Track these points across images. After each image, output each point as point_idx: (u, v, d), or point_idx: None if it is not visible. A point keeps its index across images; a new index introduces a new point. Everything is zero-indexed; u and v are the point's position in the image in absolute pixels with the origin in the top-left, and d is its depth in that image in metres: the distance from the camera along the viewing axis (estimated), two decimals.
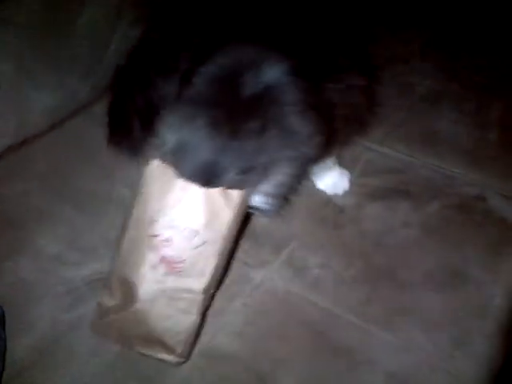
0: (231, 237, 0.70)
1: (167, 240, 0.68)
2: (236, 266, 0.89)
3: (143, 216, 0.69)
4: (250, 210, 0.75)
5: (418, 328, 0.80)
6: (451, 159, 1.07)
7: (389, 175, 1.06)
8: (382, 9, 1.42)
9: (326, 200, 1.01)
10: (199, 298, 0.69)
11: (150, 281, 0.69)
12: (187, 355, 0.73)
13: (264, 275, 0.88)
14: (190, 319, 0.70)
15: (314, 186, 1.02)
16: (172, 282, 0.69)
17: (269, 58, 0.71)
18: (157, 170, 0.69)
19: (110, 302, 0.72)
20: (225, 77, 0.70)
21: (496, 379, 0.77)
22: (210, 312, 0.82)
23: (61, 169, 1.04)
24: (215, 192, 0.67)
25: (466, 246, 0.91)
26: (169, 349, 0.70)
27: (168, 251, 0.68)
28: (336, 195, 1.01)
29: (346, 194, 1.02)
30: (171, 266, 0.69)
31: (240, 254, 0.91)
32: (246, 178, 0.69)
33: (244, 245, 0.92)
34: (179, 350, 0.70)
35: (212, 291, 0.72)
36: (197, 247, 0.68)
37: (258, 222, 0.95)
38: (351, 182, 1.03)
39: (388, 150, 1.11)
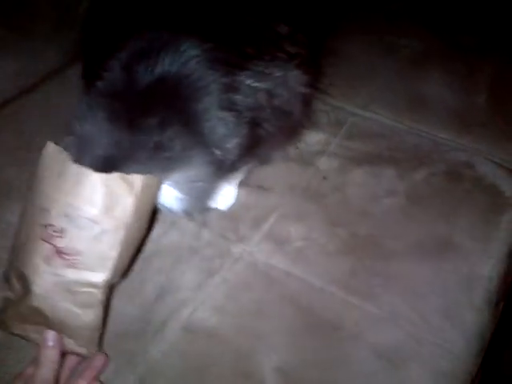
0: (138, 224, 0.65)
1: (61, 231, 0.62)
2: (214, 240, 0.86)
3: (36, 204, 0.64)
4: (160, 207, 0.71)
5: (404, 300, 0.77)
6: (438, 124, 1.04)
7: (374, 140, 1.02)
8: None
9: (308, 165, 0.96)
10: (100, 291, 0.63)
11: (44, 273, 0.63)
12: (96, 349, 0.68)
13: (244, 249, 0.85)
14: (93, 314, 0.64)
15: (293, 150, 0.97)
16: (70, 275, 0.62)
17: (181, 42, 0.68)
18: (52, 154, 0.64)
19: (10, 295, 0.66)
20: (130, 66, 0.67)
21: (486, 351, 0.75)
22: (190, 286, 0.80)
23: (32, 139, 0.97)
24: (114, 177, 0.61)
25: (455, 214, 0.88)
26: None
27: (62, 242, 0.62)
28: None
29: (330, 157, 0.98)
30: (66, 258, 0.62)
31: (218, 229, 0.87)
32: (147, 170, 0.64)
33: (222, 219, 0.89)
34: (87, 347, 0.67)
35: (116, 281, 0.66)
36: (95, 237, 0.62)
37: (238, 192, 0.91)
38: (335, 145, 0.99)
39: (373, 115, 1.08)
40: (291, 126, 0.85)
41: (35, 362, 0.65)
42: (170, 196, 0.71)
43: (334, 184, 0.94)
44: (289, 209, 0.90)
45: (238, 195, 0.91)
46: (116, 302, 0.76)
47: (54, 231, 0.62)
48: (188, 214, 0.75)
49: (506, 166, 0.96)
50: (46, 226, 0.62)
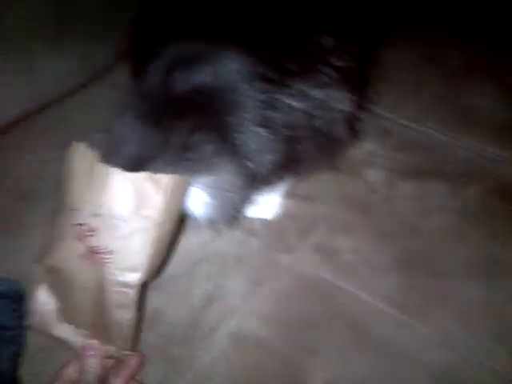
0: (168, 223, 0.64)
1: (93, 230, 0.62)
2: (262, 250, 0.85)
3: (68, 203, 0.64)
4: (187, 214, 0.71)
5: (457, 321, 0.75)
6: (489, 139, 1.02)
7: (422, 153, 1.01)
8: None
9: (356, 176, 0.95)
10: (134, 291, 0.62)
11: (81, 272, 0.63)
12: (130, 348, 0.67)
13: (291, 260, 0.84)
14: (127, 314, 0.63)
15: (340, 161, 0.96)
16: (105, 275, 0.62)
17: (222, 54, 0.68)
18: (81, 154, 0.64)
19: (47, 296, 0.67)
20: (170, 71, 0.68)
21: None
22: (238, 294, 0.79)
23: (78, 139, 0.98)
24: (143, 176, 0.61)
25: (507, 233, 0.86)
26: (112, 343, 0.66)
27: (94, 242, 0.62)
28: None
29: (378, 169, 0.97)
30: (100, 257, 0.62)
31: (265, 238, 0.87)
32: (174, 170, 0.64)
33: (269, 229, 0.88)
34: (122, 347, 0.66)
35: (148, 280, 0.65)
36: (126, 237, 0.62)
37: (285, 203, 0.91)
38: (383, 157, 0.98)
39: (421, 127, 1.06)
40: (332, 146, 0.83)
41: (72, 364, 0.66)
42: (198, 200, 0.70)
43: (382, 197, 0.93)
44: (337, 220, 0.89)
45: (285, 205, 0.91)
46: (164, 306, 0.77)
47: (87, 231, 0.62)
48: (211, 221, 0.73)
49: None
50: (78, 225, 0.62)
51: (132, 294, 0.62)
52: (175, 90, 0.67)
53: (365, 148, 1.00)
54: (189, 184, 0.66)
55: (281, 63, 0.71)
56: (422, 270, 0.82)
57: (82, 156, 0.64)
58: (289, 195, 0.91)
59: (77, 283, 0.64)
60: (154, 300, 0.76)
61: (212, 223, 0.73)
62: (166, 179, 0.61)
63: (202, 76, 0.67)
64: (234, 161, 0.69)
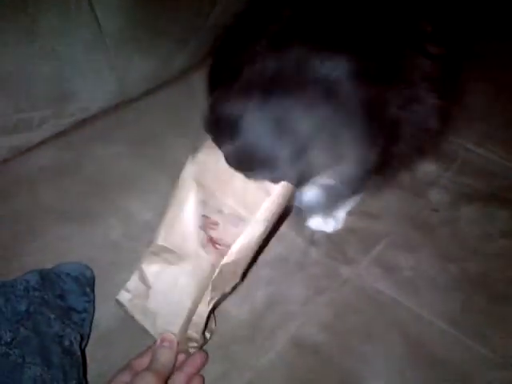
0: (271, 225, 0.69)
1: (215, 223, 0.69)
2: (322, 259, 0.87)
3: (195, 193, 0.71)
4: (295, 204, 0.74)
5: None
6: None
7: (486, 178, 1.01)
8: None
9: (418, 196, 0.96)
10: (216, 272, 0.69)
11: (198, 257, 0.70)
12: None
13: (352, 272, 0.86)
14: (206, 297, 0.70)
15: (404, 180, 0.97)
16: (218, 263, 0.69)
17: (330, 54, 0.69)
18: (210, 148, 0.69)
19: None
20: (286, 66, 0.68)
21: None
22: (298, 300, 0.81)
23: (153, 136, 1.03)
24: (262, 184, 0.67)
25: None
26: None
27: (214, 233, 0.70)
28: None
29: (441, 190, 0.98)
30: (218, 247, 0.69)
31: (326, 249, 0.89)
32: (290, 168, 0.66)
33: (330, 240, 0.90)
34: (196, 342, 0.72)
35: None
36: (238, 234, 0.68)
37: (346, 218, 0.92)
38: (446, 179, 0.99)
39: (486, 152, 1.06)
40: (428, 142, 0.84)
41: (146, 354, 0.69)
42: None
43: (444, 217, 0.94)
44: (397, 237, 0.90)
45: (346, 220, 0.92)
46: (227, 306, 0.79)
47: (210, 223, 0.69)
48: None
49: None
50: (203, 217, 0.70)
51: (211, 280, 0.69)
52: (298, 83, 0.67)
53: (428, 168, 1.01)
54: (294, 192, 0.70)
55: (383, 64, 0.72)
56: (482, 292, 0.82)
57: (213, 154, 0.69)
58: (350, 211, 0.93)
59: (189, 267, 0.70)
60: None
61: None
62: (278, 187, 0.67)
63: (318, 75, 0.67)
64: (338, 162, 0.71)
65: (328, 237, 0.91)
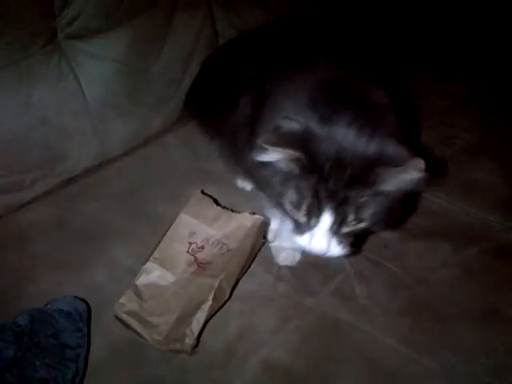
0: (249, 251, 0.93)
1: (201, 247, 0.94)
2: (288, 292, 0.98)
3: (186, 226, 0.95)
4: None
5: (457, 358, 0.87)
6: (489, 208, 1.15)
7: (430, 218, 1.13)
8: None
9: (372, 233, 1.09)
10: (214, 290, 0.86)
11: (184, 272, 0.90)
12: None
13: (315, 302, 0.96)
14: (207, 304, 0.85)
15: None
16: (200, 277, 0.89)
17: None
18: (199, 198, 1.00)
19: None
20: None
21: None
22: (268, 329, 0.92)
23: (133, 191, 1.14)
24: (243, 216, 0.96)
25: (502, 288, 0.98)
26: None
27: (200, 255, 0.93)
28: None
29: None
30: (201, 265, 0.91)
31: (291, 283, 1.00)
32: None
33: (295, 275, 1.01)
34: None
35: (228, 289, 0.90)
36: (222, 254, 0.93)
37: (307, 257, 1.02)
38: None
39: (430, 196, 1.19)
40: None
41: None
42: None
43: (394, 252, 1.06)
44: (354, 271, 1.01)
45: (308, 257, 1.03)
46: (204, 336, 0.88)
47: (197, 247, 0.94)
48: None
49: None
50: (191, 244, 0.94)
51: (212, 292, 0.86)
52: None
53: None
54: (268, 225, 0.92)
55: None
56: (427, 315, 0.94)
57: (201, 199, 1.00)
58: None
59: (176, 283, 0.89)
60: None
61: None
62: (254, 220, 0.95)
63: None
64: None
65: (293, 272, 1.02)
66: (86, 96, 1.10)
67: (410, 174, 0.75)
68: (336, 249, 0.84)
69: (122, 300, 0.88)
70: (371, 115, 0.80)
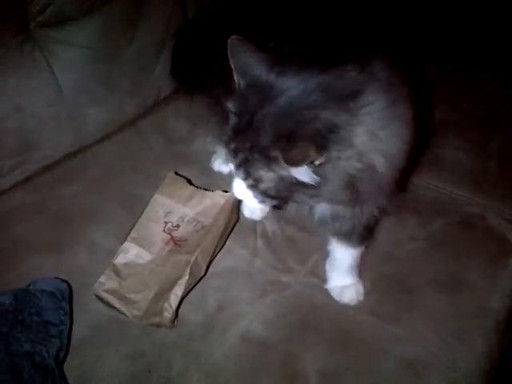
0: (223, 227, 0.97)
1: (177, 226, 0.97)
2: (265, 269, 1.02)
3: (161, 207, 0.99)
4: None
5: (424, 323, 0.92)
6: (454, 182, 1.21)
7: (399, 194, 1.18)
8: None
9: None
10: (190, 264, 0.90)
11: (162, 250, 0.94)
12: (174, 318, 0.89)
13: (291, 279, 1.00)
14: (183, 279, 0.89)
15: None
16: (177, 254, 0.93)
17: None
18: (173, 179, 1.02)
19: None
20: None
21: (494, 371, 0.90)
22: (245, 302, 0.96)
23: (110, 175, 1.17)
24: (215, 193, 0.99)
25: (467, 257, 1.04)
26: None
27: (176, 233, 0.96)
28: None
29: None
30: (177, 243, 0.95)
31: (271, 260, 1.04)
32: None
33: (272, 251, 1.05)
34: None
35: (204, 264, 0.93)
36: (197, 231, 0.96)
37: (284, 232, 1.07)
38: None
39: None
40: None
41: None
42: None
43: None
44: (326, 250, 1.05)
45: (285, 231, 1.07)
46: (184, 311, 0.92)
47: (173, 226, 0.97)
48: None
49: None
50: (167, 223, 0.97)
51: (189, 266, 0.90)
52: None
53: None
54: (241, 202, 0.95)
55: None
56: (394, 288, 0.99)
57: (174, 180, 1.03)
58: (289, 223, 1.07)
59: (153, 261, 0.93)
60: None
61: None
62: (226, 197, 0.97)
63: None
64: None
65: (269, 249, 1.05)
66: (59, 83, 1.12)
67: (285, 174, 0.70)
68: (251, 200, 0.78)
69: (101, 279, 0.91)
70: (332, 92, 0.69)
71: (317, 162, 0.67)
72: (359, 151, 0.69)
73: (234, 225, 1.04)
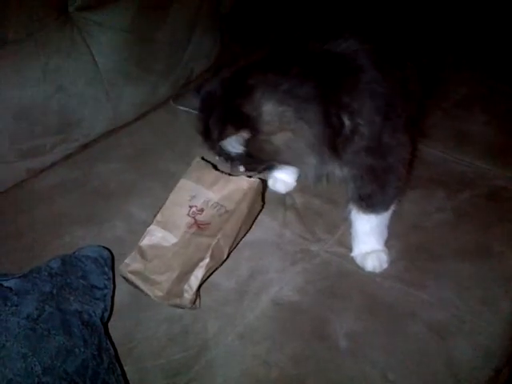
0: (247, 212, 0.98)
1: (201, 210, 0.99)
2: (295, 239, 1.06)
3: (186, 191, 1.00)
4: None
5: (449, 290, 0.95)
6: (481, 156, 1.22)
7: (426, 167, 1.19)
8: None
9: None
10: (213, 244, 0.93)
11: (185, 233, 0.96)
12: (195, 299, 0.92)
13: (320, 249, 1.04)
14: (204, 262, 0.91)
15: None
16: (199, 237, 0.95)
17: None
18: (200, 163, 1.04)
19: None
20: None
21: None
22: (276, 270, 1.00)
23: (145, 153, 1.22)
24: (240, 178, 0.99)
25: (493, 227, 1.06)
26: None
27: (200, 217, 0.98)
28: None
29: None
30: (201, 227, 0.96)
31: (297, 230, 1.08)
32: None
33: (300, 222, 1.09)
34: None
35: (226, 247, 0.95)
36: (220, 215, 0.98)
37: (312, 204, 1.12)
38: None
39: (425, 147, 1.24)
40: None
41: None
42: None
43: None
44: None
45: (312, 204, 1.12)
46: (217, 278, 0.97)
47: (197, 210, 0.98)
48: None
49: None
50: (191, 207, 0.99)
51: (211, 247, 0.92)
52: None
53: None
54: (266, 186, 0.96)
55: None
56: (423, 256, 1.02)
57: (201, 164, 1.05)
58: (315, 195, 1.12)
59: (177, 244, 0.95)
60: (211, 276, 0.96)
61: None
62: (252, 182, 0.99)
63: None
64: None
65: (299, 220, 1.10)
66: (98, 64, 1.18)
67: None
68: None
69: (127, 260, 0.94)
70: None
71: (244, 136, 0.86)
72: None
73: (260, 210, 1.06)
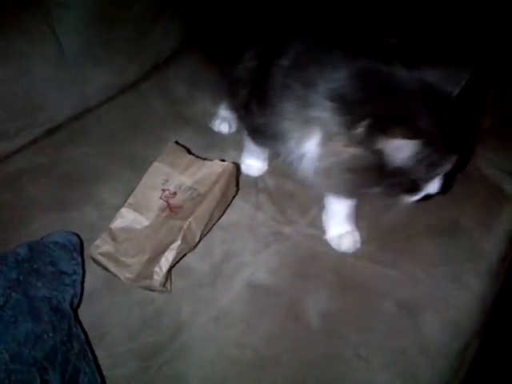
0: (219, 198, 0.98)
1: (174, 193, 0.98)
2: (270, 222, 1.06)
3: (160, 175, 0.99)
4: None
5: (420, 267, 0.97)
6: None
7: None
8: None
9: None
10: (184, 227, 0.92)
11: (157, 217, 0.96)
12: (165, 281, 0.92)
13: (292, 231, 1.05)
14: (175, 244, 0.91)
15: None
16: (171, 220, 0.95)
17: None
18: (173, 148, 1.03)
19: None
20: None
21: (489, 314, 0.94)
22: (249, 252, 1.00)
23: (114, 136, 1.20)
24: (212, 162, 1.00)
25: (463, 204, 1.08)
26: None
27: (172, 201, 0.98)
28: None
29: None
30: (173, 210, 0.96)
31: (272, 213, 1.07)
32: None
33: (273, 204, 1.09)
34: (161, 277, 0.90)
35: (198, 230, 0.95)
36: (192, 198, 0.97)
37: (284, 187, 1.11)
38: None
39: None
40: None
41: None
42: None
43: None
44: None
45: (285, 186, 1.12)
46: (191, 261, 0.97)
47: (170, 194, 0.98)
48: None
49: (507, 170, 1.16)
50: (164, 190, 0.98)
51: (182, 231, 0.92)
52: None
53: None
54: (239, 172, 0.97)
55: None
56: (391, 236, 1.03)
57: (174, 149, 1.04)
58: (287, 176, 1.10)
59: (149, 226, 0.94)
60: (184, 258, 0.96)
61: None
62: (224, 166, 0.99)
63: None
64: None
65: (271, 202, 1.09)
66: (62, 46, 1.14)
67: None
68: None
69: (97, 242, 0.93)
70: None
71: None
72: None
73: (234, 196, 1.06)
